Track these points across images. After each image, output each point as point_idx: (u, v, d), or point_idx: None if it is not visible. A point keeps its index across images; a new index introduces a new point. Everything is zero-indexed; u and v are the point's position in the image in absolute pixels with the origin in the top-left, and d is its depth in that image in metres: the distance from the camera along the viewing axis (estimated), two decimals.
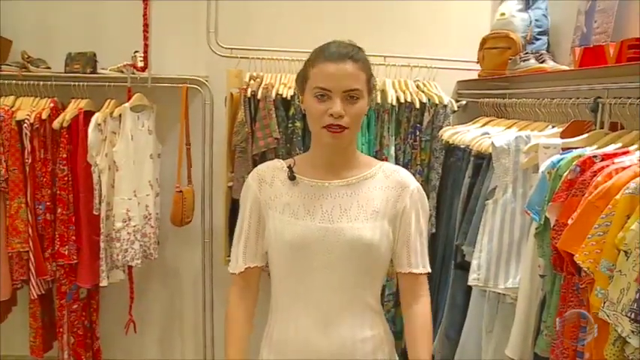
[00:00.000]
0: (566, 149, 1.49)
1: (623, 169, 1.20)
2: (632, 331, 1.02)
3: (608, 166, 1.25)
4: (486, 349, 1.82)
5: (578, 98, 1.73)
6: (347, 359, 1.30)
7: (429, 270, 1.36)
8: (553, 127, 1.81)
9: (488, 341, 1.82)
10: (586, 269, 1.15)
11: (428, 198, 2.17)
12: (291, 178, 1.33)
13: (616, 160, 1.27)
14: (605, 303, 1.09)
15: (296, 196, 1.33)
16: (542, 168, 1.46)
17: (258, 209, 1.36)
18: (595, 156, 1.31)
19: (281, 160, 1.41)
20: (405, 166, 2.49)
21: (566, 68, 1.95)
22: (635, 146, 1.35)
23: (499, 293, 1.71)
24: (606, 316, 1.09)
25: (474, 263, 1.73)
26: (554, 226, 1.31)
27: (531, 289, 1.51)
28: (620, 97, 1.52)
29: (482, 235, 1.71)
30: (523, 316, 1.54)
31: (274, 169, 1.38)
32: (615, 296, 1.06)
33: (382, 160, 2.35)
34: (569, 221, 1.23)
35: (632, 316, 1.01)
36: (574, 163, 1.32)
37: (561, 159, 1.40)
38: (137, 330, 2.78)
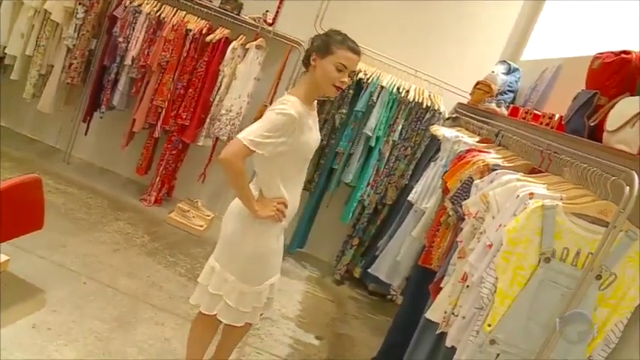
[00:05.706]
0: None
1: (479, 154, 3.35)
2: (452, 209, 3.18)
3: (476, 153, 3.41)
4: (406, 242, 4.00)
5: (500, 130, 3.87)
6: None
7: None
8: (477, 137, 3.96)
9: (408, 239, 4.00)
10: (449, 186, 3.31)
11: (409, 165, 4.49)
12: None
13: (481, 153, 3.42)
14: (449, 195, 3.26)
15: (305, 118, 2.35)
16: (457, 151, 3.61)
17: (294, 129, 2.27)
18: (473, 149, 3.46)
19: (295, 98, 2.34)
20: (404, 140, 4.69)
21: (505, 113, 4.09)
22: (493, 152, 3.50)
23: (422, 210, 3.88)
24: (449, 203, 3.25)
25: (414, 190, 3.93)
26: (445, 171, 3.47)
27: (434, 204, 3.68)
28: (509, 134, 3.66)
29: (422, 177, 3.90)
30: (425, 217, 3.71)
31: (300, 106, 2.31)
32: (453, 192, 3.22)
33: (391, 132, 4.56)
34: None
35: (452, 200, 3.18)
36: (466, 149, 3.48)
37: (465, 149, 3.56)
38: (204, 181, 5.02)
